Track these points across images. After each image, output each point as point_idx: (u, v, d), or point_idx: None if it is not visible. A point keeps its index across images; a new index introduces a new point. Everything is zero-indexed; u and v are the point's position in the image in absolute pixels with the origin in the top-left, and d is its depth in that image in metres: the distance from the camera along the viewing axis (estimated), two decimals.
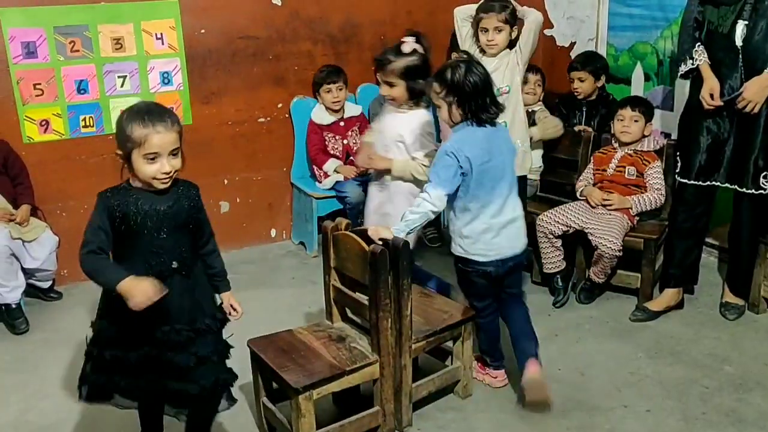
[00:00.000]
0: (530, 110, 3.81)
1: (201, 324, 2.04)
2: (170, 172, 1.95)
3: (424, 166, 2.83)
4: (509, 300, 2.69)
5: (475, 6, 3.24)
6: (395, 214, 2.68)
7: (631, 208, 3.34)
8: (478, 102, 2.44)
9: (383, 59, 2.87)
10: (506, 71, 3.24)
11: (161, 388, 2.03)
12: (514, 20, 3.21)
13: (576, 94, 3.89)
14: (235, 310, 2.20)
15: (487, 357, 2.76)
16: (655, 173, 3.39)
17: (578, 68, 3.87)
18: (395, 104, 2.92)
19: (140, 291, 1.84)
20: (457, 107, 2.47)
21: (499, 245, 2.55)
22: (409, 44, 2.86)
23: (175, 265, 2.00)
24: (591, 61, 3.89)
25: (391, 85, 2.87)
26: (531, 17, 3.19)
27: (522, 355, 2.57)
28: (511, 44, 3.24)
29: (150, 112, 1.93)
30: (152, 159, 1.91)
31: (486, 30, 3.19)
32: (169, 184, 1.98)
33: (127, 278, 1.85)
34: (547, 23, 4.55)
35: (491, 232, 2.53)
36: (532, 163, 3.58)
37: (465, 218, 2.54)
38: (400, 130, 2.91)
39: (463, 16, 3.29)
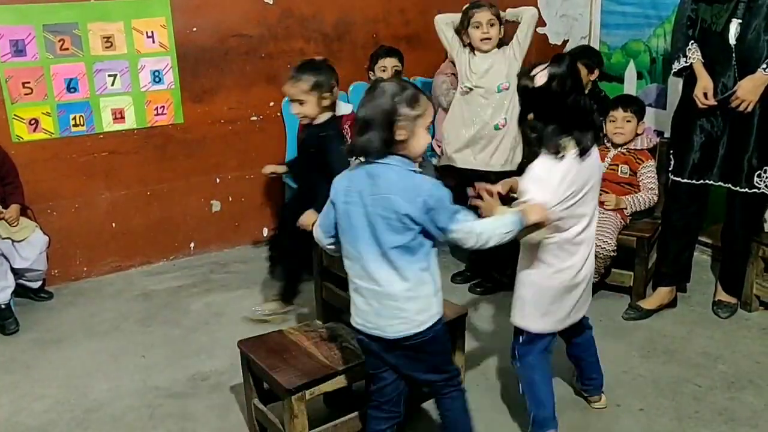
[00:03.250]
0: None
1: None
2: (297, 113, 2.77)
3: None
4: None
5: (454, 14, 3.35)
6: None
7: (626, 209, 3.34)
8: None
9: None
10: (504, 67, 3.29)
11: None
12: (501, 20, 3.32)
13: None
14: None
15: None
16: (648, 173, 3.38)
17: None
18: None
19: None
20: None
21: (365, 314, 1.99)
22: None
23: None
24: (585, 54, 3.84)
25: None
26: (528, 13, 3.30)
27: None
28: (499, 44, 3.32)
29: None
30: None
31: (480, 24, 3.26)
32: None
33: None
34: (540, 21, 4.53)
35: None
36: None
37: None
38: None
39: (445, 21, 3.39)
